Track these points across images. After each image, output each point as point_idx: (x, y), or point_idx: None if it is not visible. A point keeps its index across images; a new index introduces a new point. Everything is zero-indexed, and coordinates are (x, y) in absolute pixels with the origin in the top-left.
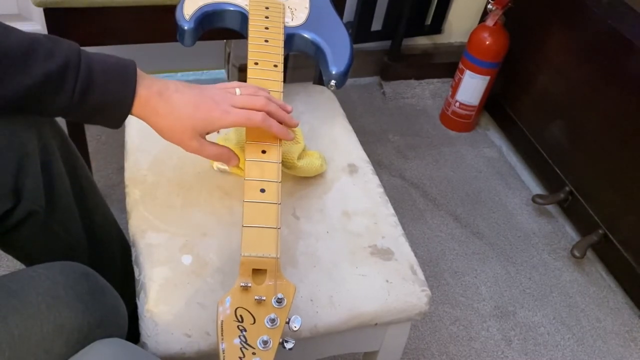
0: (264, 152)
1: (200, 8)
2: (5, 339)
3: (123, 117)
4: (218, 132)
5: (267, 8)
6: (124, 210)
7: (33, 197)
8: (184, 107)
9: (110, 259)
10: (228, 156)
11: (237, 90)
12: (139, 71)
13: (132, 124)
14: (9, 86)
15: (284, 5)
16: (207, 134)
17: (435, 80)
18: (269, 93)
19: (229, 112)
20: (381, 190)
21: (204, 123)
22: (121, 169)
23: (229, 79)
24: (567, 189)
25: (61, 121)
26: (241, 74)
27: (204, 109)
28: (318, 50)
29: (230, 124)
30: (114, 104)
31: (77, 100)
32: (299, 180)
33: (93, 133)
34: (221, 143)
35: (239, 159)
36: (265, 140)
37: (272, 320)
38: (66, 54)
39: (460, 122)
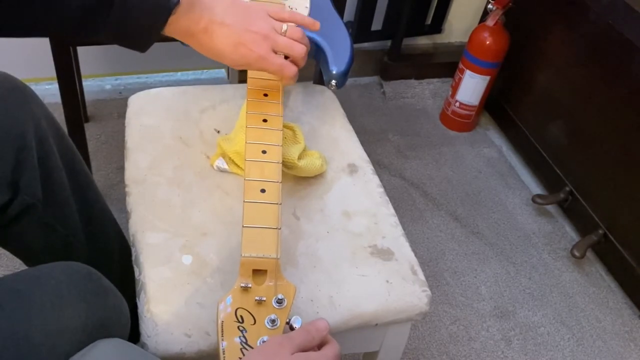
0: (264, 152)
1: None
2: (9, 337)
3: (151, 38)
4: (218, 131)
5: None
6: (124, 210)
7: (30, 191)
8: (224, 47)
9: (108, 256)
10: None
11: (284, 27)
12: (186, 3)
13: (132, 123)
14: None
15: (284, 4)
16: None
17: (435, 80)
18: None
19: (266, 59)
20: (381, 190)
21: (242, 62)
22: (121, 169)
23: (229, 79)
24: (567, 189)
25: (61, 120)
26: (241, 73)
27: (242, 50)
28: (318, 49)
29: (264, 70)
30: (146, 18)
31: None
32: (299, 180)
33: (93, 133)
34: (221, 143)
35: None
36: (266, 141)
37: (273, 321)
38: None
39: (460, 122)
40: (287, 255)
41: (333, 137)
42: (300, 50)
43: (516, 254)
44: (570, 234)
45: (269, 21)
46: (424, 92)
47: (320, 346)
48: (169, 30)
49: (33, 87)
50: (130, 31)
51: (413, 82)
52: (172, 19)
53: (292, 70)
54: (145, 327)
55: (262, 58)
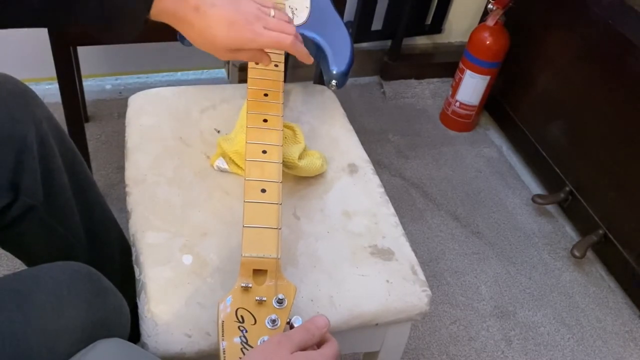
0: (264, 152)
1: None
2: (9, 337)
3: (138, 23)
4: (218, 131)
5: None
6: (124, 209)
7: (31, 192)
8: (218, 25)
9: (109, 257)
10: (260, 56)
11: (272, 12)
12: None
13: (132, 123)
14: None
15: (284, 4)
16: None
17: (435, 80)
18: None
19: (262, 35)
20: (381, 190)
21: (237, 42)
22: (121, 169)
23: (229, 79)
24: (567, 189)
25: (61, 120)
26: (241, 73)
27: (237, 29)
28: (319, 49)
29: (261, 46)
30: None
31: None
32: (299, 180)
33: (93, 132)
34: (221, 143)
35: (270, 57)
36: (266, 141)
37: (273, 321)
38: None
39: (460, 121)
40: (287, 255)
41: (333, 137)
42: (291, 29)
43: (516, 254)
44: (570, 234)
45: (256, 4)
46: (424, 92)
47: (319, 344)
48: (155, 12)
49: (33, 87)
50: (113, 14)
51: (413, 82)
52: (157, 1)
53: (288, 38)
54: (146, 327)
55: (258, 34)
